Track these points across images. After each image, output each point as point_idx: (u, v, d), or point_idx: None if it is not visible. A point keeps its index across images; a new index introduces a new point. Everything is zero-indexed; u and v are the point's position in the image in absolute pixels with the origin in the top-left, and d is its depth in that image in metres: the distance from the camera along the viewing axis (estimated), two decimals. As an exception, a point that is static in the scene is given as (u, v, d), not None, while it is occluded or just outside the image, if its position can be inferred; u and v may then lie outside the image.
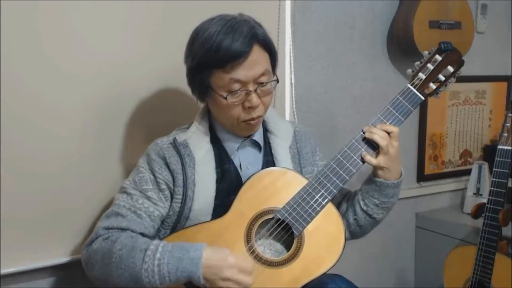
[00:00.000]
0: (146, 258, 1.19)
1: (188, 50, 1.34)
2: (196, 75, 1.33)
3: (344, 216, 1.47)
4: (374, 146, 1.36)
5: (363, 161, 1.36)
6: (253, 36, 1.28)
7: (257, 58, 1.29)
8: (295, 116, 1.97)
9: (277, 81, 1.37)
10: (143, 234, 1.30)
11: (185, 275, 1.18)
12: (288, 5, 1.91)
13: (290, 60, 1.94)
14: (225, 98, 1.29)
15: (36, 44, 1.46)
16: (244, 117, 1.33)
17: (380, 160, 1.36)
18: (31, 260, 1.52)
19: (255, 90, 1.30)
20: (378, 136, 1.34)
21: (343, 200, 1.52)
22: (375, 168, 1.39)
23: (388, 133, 1.35)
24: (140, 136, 1.64)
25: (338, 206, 1.51)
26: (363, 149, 1.36)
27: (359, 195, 1.45)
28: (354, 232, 1.49)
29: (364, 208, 1.44)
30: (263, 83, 1.31)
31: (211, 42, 1.26)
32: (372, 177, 1.41)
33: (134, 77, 1.61)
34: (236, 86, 1.29)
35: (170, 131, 1.46)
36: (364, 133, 1.36)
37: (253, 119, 1.34)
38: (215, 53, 1.26)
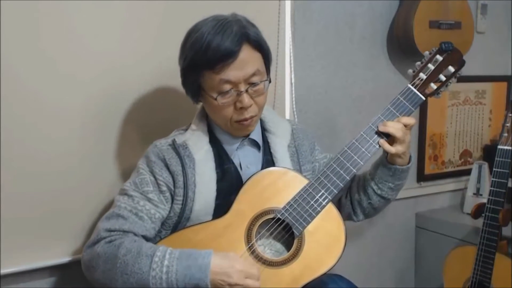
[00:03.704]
0: (154, 265, 1.18)
1: (181, 51, 1.35)
2: (188, 76, 1.33)
3: (358, 202, 1.54)
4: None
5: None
6: (243, 36, 1.28)
7: (248, 58, 1.29)
8: (295, 116, 1.97)
9: (269, 81, 1.37)
10: (144, 236, 1.30)
11: (194, 282, 1.18)
12: (288, 5, 1.90)
13: (290, 60, 1.94)
14: (215, 99, 1.29)
15: (36, 44, 1.46)
16: (237, 117, 1.33)
17: (398, 148, 1.38)
18: (31, 260, 1.52)
19: (247, 90, 1.30)
20: (393, 128, 1.35)
21: (353, 186, 1.56)
22: (391, 156, 1.42)
23: (406, 125, 1.37)
24: (140, 137, 1.64)
25: (348, 191, 1.57)
26: (363, 149, 1.36)
27: (372, 180, 1.49)
28: (368, 213, 1.57)
29: (378, 192, 1.49)
30: (254, 83, 1.31)
31: (201, 42, 1.26)
32: (386, 164, 1.45)
33: (134, 77, 1.61)
34: (227, 86, 1.28)
35: (169, 132, 1.46)
36: (374, 127, 1.37)
37: (245, 119, 1.34)
38: (205, 53, 1.26)
